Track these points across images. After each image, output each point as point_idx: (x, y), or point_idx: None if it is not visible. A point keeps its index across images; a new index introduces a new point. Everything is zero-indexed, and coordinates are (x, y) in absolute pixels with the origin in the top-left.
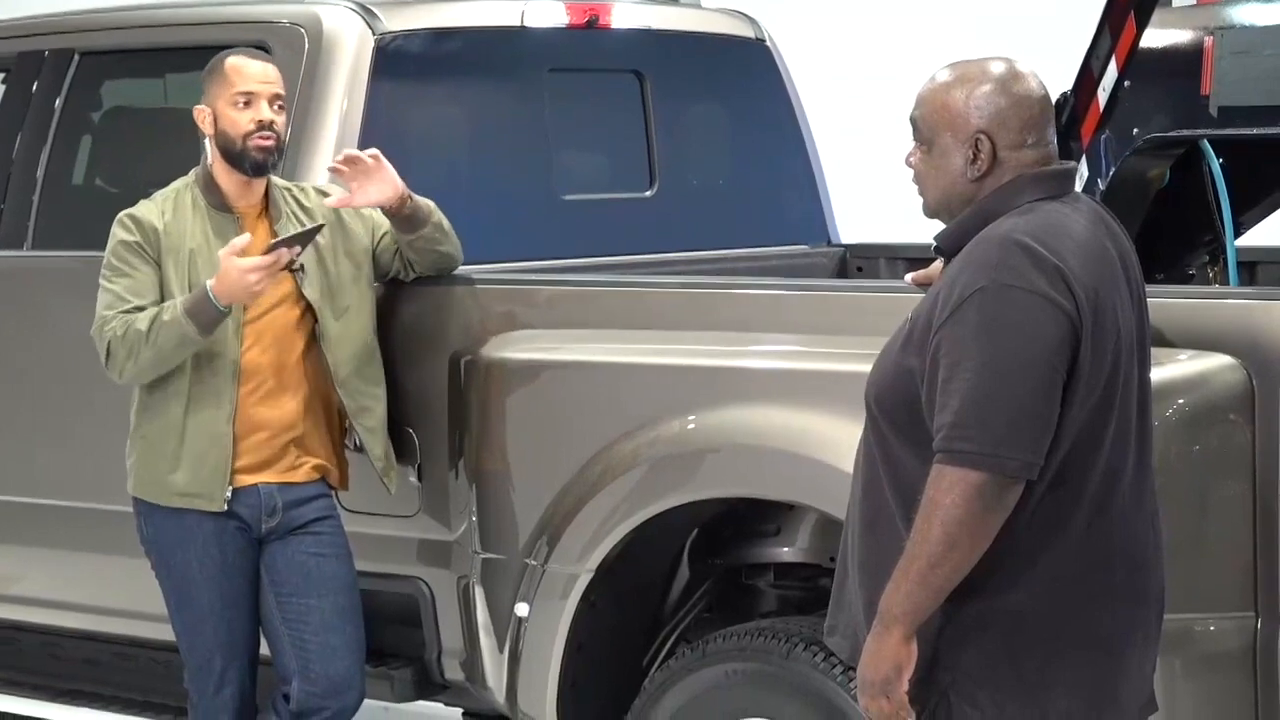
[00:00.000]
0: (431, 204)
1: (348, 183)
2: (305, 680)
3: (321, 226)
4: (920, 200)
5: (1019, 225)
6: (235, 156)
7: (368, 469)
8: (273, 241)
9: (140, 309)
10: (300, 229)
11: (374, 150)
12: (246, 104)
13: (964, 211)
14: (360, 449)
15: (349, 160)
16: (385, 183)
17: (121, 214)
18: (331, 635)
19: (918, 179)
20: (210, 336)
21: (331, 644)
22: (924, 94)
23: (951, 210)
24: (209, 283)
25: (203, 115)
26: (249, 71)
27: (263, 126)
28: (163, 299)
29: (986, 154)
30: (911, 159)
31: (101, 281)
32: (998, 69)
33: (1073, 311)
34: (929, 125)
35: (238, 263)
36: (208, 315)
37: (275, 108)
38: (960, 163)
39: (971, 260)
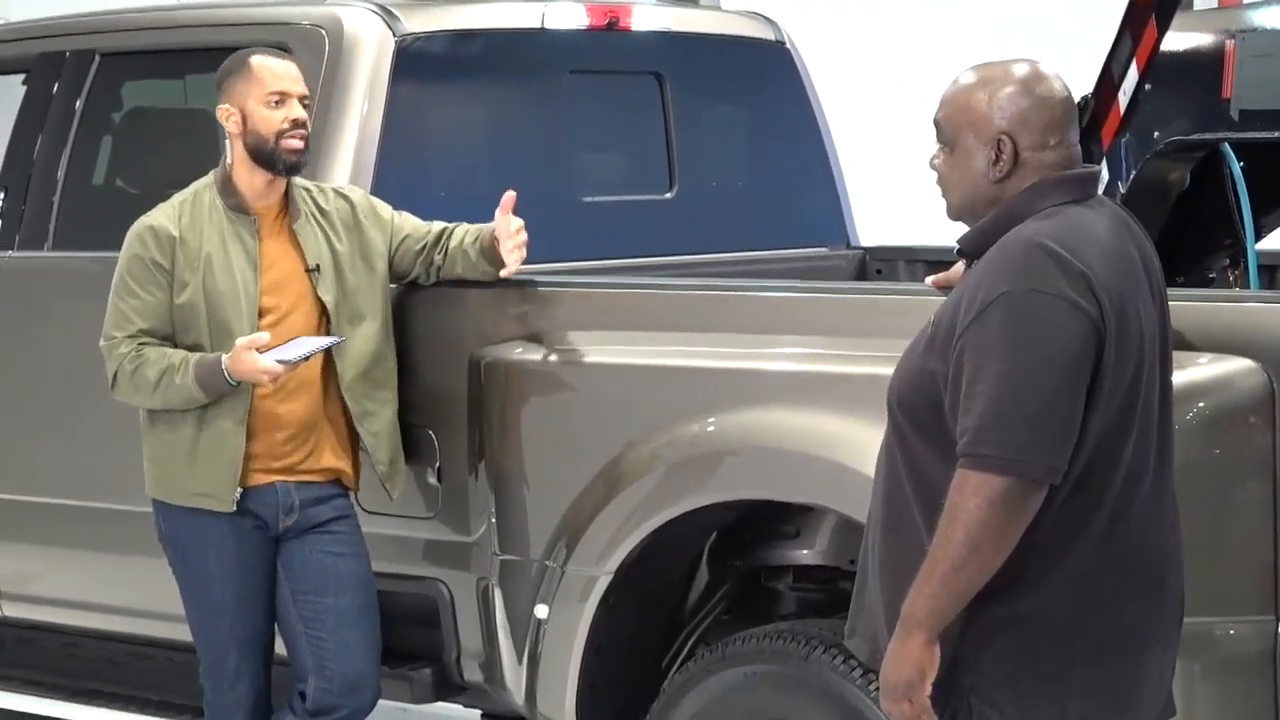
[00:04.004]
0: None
1: (512, 250)
2: (321, 678)
3: (341, 340)
4: (944, 203)
5: (1043, 229)
6: (267, 156)
7: None
8: (290, 358)
9: (147, 336)
10: (320, 233)
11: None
12: (279, 103)
13: (987, 214)
14: None
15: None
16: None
17: (138, 224)
18: (348, 633)
19: (941, 181)
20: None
21: (348, 642)
22: (947, 96)
23: (975, 212)
24: (224, 359)
25: (229, 115)
26: (280, 71)
27: (297, 125)
28: (171, 313)
29: (1009, 155)
30: (935, 161)
31: (112, 295)
32: (1021, 70)
33: (1097, 316)
34: (952, 126)
35: (257, 361)
36: (218, 388)
37: (304, 107)
38: (983, 164)
39: (995, 264)
